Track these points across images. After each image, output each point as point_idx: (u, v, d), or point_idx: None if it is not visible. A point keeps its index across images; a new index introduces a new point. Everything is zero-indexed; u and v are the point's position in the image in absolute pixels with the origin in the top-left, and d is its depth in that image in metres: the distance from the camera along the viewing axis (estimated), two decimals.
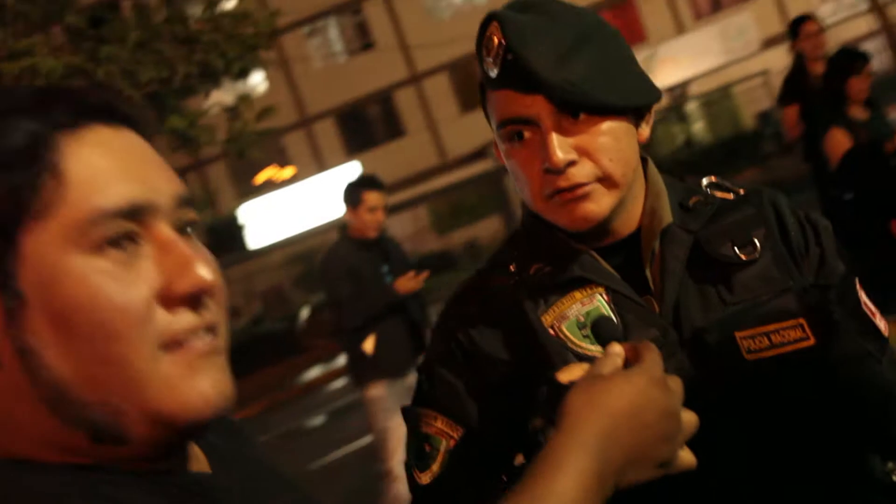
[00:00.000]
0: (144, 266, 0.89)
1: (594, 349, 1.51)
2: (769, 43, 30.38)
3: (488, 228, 31.45)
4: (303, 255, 31.31)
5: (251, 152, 13.91)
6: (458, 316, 1.67)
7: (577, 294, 1.57)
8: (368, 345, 5.97)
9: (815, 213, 1.69)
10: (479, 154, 31.09)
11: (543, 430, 1.34)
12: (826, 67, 6.65)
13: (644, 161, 1.64)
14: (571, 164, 1.50)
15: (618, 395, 1.05)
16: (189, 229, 0.95)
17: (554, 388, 1.35)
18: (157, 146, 1.07)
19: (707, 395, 1.45)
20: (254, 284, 29.74)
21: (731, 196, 1.66)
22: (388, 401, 5.98)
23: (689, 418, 1.10)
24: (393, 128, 32.76)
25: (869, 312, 1.64)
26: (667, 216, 1.60)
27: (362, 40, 32.67)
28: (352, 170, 28.99)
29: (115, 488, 0.89)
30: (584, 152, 1.51)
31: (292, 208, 29.47)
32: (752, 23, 31.46)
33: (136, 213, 0.89)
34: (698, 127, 32.37)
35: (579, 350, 1.54)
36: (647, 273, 1.59)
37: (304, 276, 31.77)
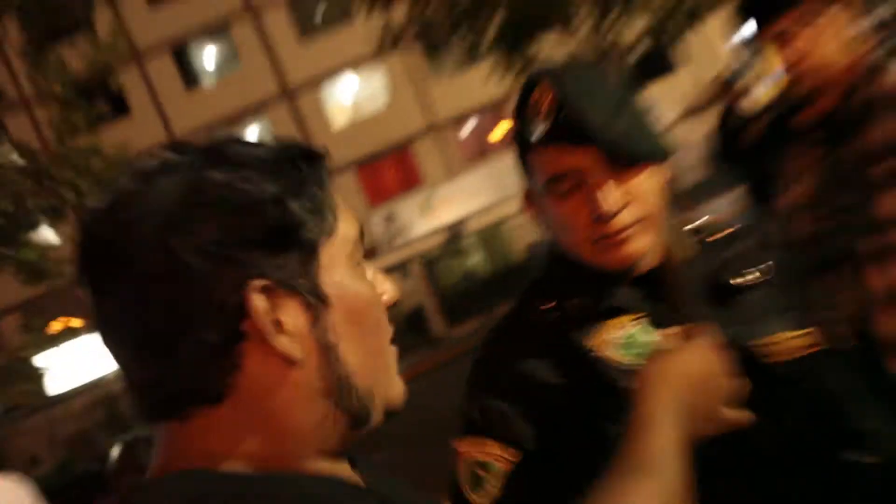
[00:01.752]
0: (374, 278, 1.04)
1: (636, 363, 1.57)
2: None
3: None
4: (104, 398, 30.06)
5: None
6: (503, 349, 1.72)
7: (615, 322, 1.65)
8: None
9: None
10: None
11: (618, 434, 1.42)
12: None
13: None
14: (619, 210, 1.57)
15: (684, 363, 1.21)
16: None
17: (621, 395, 1.48)
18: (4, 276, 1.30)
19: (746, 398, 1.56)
20: (57, 431, 28.47)
21: (731, 230, 1.83)
22: None
23: (737, 383, 1.23)
24: None
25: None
26: (680, 251, 1.72)
27: None
28: None
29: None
30: (628, 199, 1.57)
31: (91, 355, 28.62)
32: (514, 166, 32.63)
33: (361, 241, 1.06)
34: (476, 260, 33.23)
35: (624, 367, 1.60)
36: (670, 300, 1.68)
37: (108, 420, 30.37)
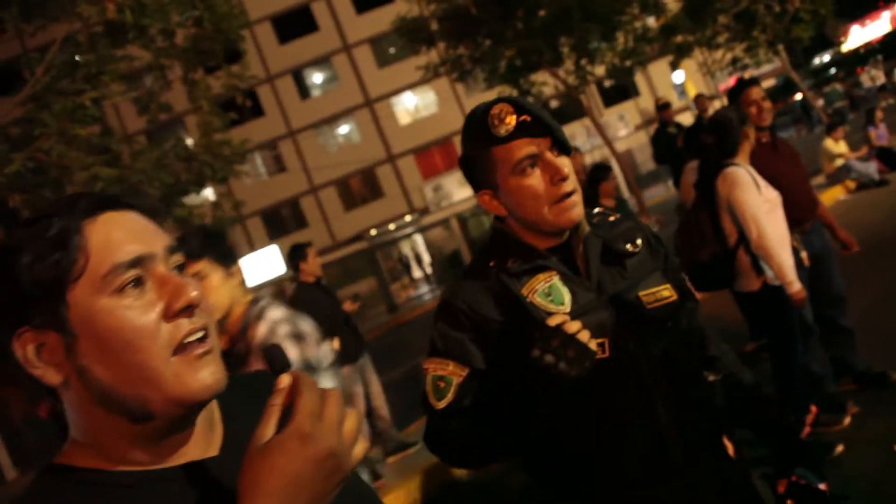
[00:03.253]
0: (150, 298, 0.89)
1: (554, 307, 1.58)
2: None
3: (365, 285, 32.25)
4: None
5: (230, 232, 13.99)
6: (459, 293, 1.66)
7: (541, 276, 1.61)
8: (335, 344, 5.95)
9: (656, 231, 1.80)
10: (357, 237, 33.34)
11: (542, 355, 1.40)
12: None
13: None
14: (567, 176, 1.58)
15: (276, 469, 0.78)
16: (179, 268, 0.95)
17: (544, 329, 1.42)
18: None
19: (624, 331, 1.60)
20: None
21: (613, 218, 1.76)
22: (350, 377, 6.20)
23: (350, 427, 0.84)
24: (299, 221, 34.12)
25: (690, 286, 1.80)
26: (585, 227, 1.69)
27: (278, 165, 34.56)
28: (272, 251, 30.17)
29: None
30: (569, 173, 1.61)
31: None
32: None
33: (139, 262, 0.90)
34: None
35: (546, 308, 1.58)
36: (578, 263, 1.66)
37: None
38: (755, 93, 4.28)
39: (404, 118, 33.94)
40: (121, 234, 0.90)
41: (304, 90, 33.97)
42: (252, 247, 32.14)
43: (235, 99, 13.49)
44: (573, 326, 1.43)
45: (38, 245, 0.86)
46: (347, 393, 6.01)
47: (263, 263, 30.31)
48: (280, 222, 33.68)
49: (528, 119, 1.56)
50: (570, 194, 1.58)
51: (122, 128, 26.96)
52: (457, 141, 33.79)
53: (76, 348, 0.86)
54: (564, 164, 1.58)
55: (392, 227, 32.91)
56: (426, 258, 34.22)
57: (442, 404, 1.59)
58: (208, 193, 21.98)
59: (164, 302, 0.89)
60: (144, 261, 0.90)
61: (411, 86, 32.52)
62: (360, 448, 0.86)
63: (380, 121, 33.30)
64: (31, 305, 0.86)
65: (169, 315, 0.89)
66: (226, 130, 13.49)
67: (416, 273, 34.31)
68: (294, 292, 6.41)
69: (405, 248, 35.02)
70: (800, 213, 4.14)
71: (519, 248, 1.66)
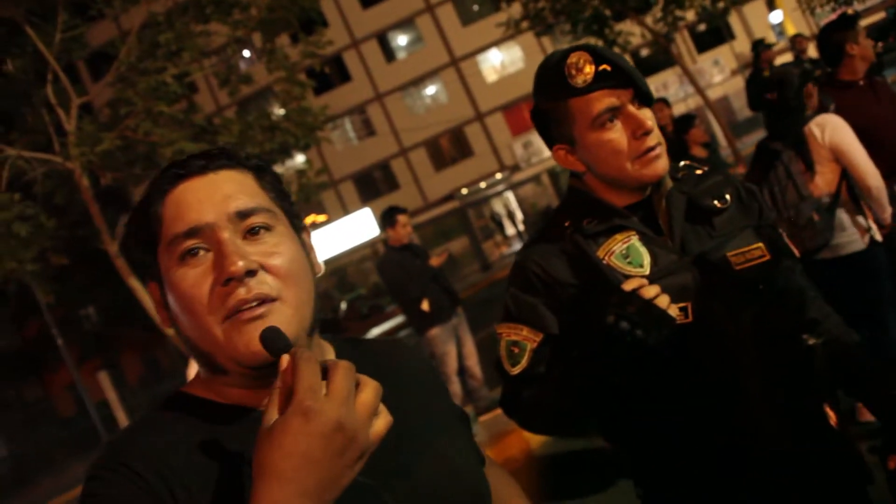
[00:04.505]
0: (205, 268, 0.94)
1: (632, 270, 1.51)
2: None
3: (458, 244, 32.73)
4: (337, 270, 31.67)
5: (314, 198, 14.59)
6: (532, 256, 1.61)
7: (618, 236, 1.54)
8: (425, 305, 6.23)
9: (750, 184, 1.70)
10: (448, 197, 33.43)
11: (616, 322, 1.34)
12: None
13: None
14: (652, 130, 1.52)
15: (283, 449, 0.76)
16: (260, 230, 0.96)
17: (619, 294, 1.37)
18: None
19: (710, 295, 1.51)
20: None
21: (700, 171, 1.67)
22: (442, 336, 6.42)
23: (365, 399, 0.80)
24: (391, 184, 34.39)
25: (788, 242, 1.66)
26: (668, 183, 1.61)
27: (367, 130, 34.70)
28: (365, 213, 31.40)
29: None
30: (653, 126, 1.54)
31: (327, 240, 29.83)
32: None
33: (196, 232, 0.95)
34: None
35: (624, 271, 1.51)
36: (661, 221, 1.58)
37: (339, 284, 32.51)
38: (853, 36, 3.90)
39: (491, 76, 33.61)
40: (187, 204, 0.97)
41: (389, 53, 33.92)
42: (346, 210, 33.04)
43: (314, 67, 13.60)
44: (651, 291, 1.36)
45: (135, 213, 1.00)
46: (441, 352, 6.37)
47: (357, 226, 31.10)
48: (372, 185, 34.11)
49: (608, 69, 1.48)
50: (653, 148, 1.52)
51: (216, 102, 27.83)
52: None
53: (169, 303, 0.98)
54: (648, 116, 1.52)
55: (483, 185, 32.84)
56: (518, 215, 33.98)
57: (517, 370, 1.56)
58: (298, 161, 22.28)
59: (217, 272, 0.94)
60: (203, 230, 0.95)
61: (496, 42, 31.95)
62: (381, 422, 0.83)
63: (466, 79, 33.10)
64: (143, 263, 1.01)
65: (221, 283, 0.93)
66: (311, 98, 13.80)
67: (510, 230, 34.02)
68: (382, 256, 6.73)
69: (497, 205, 34.86)
70: None
71: (596, 207, 1.60)
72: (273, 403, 0.82)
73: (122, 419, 16.00)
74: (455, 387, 6.48)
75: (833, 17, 4.01)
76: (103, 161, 11.34)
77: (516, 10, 18.38)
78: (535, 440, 5.46)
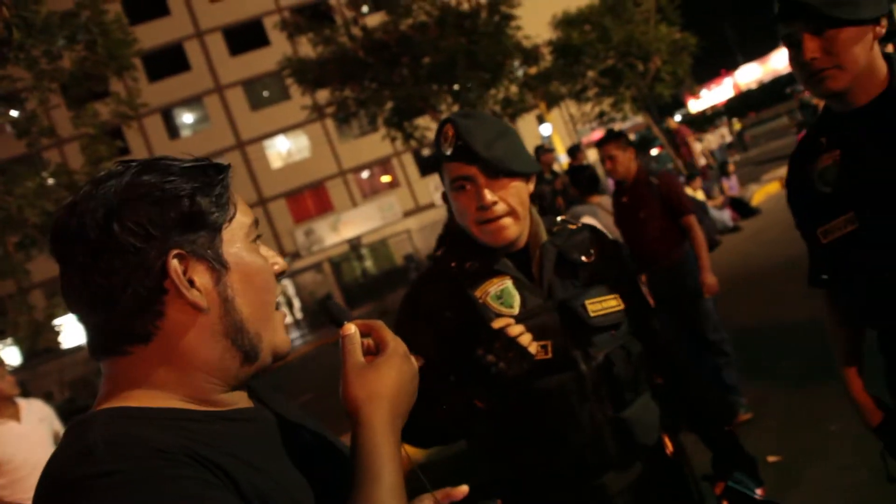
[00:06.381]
0: (267, 254, 1.03)
1: (504, 310, 1.64)
2: (408, 213, 34.30)
3: None
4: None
5: None
6: (420, 289, 1.76)
7: (495, 280, 1.67)
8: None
9: (615, 239, 1.78)
10: None
11: (484, 355, 1.51)
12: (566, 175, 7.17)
13: (532, 205, 1.75)
14: (494, 203, 1.62)
15: (387, 379, 0.96)
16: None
17: (488, 330, 1.52)
18: (48, 256, 1.09)
19: (568, 336, 1.66)
20: (66, 374, 27.16)
21: (574, 227, 1.81)
22: None
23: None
24: None
25: (644, 292, 1.86)
26: (543, 236, 1.75)
27: None
28: None
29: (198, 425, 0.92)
30: (501, 198, 1.63)
31: None
32: (396, 201, 34.84)
33: (255, 226, 1.04)
34: (368, 264, 33.48)
35: (496, 310, 1.64)
36: (533, 269, 1.71)
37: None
38: (610, 148, 4.65)
39: (276, 161, 33.51)
40: (243, 204, 1.02)
41: (173, 129, 33.08)
42: None
43: (121, 128, 12.81)
44: (515, 330, 1.55)
45: (205, 180, 0.96)
46: None
47: None
48: None
49: (461, 144, 1.64)
50: (493, 219, 1.65)
51: None
52: (329, 185, 33.97)
53: (225, 280, 0.95)
54: (487, 192, 1.63)
55: None
56: (296, 303, 33.56)
57: None
58: None
59: (270, 261, 1.02)
60: (255, 226, 1.04)
61: (284, 129, 32.39)
62: (414, 360, 1.04)
63: (251, 163, 32.64)
64: (190, 230, 0.93)
65: (274, 273, 1.03)
66: (111, 159, 12.74)
67: (287, 318, 32.72)
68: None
69: None
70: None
71: (478, 251, 1.72)
72: (355, 353, 0.99)
73: None
74: None
75: (596, 135, 4.75)
76: None
77: (322, 96, 18.86)
78: (414, 451, 5.15)
